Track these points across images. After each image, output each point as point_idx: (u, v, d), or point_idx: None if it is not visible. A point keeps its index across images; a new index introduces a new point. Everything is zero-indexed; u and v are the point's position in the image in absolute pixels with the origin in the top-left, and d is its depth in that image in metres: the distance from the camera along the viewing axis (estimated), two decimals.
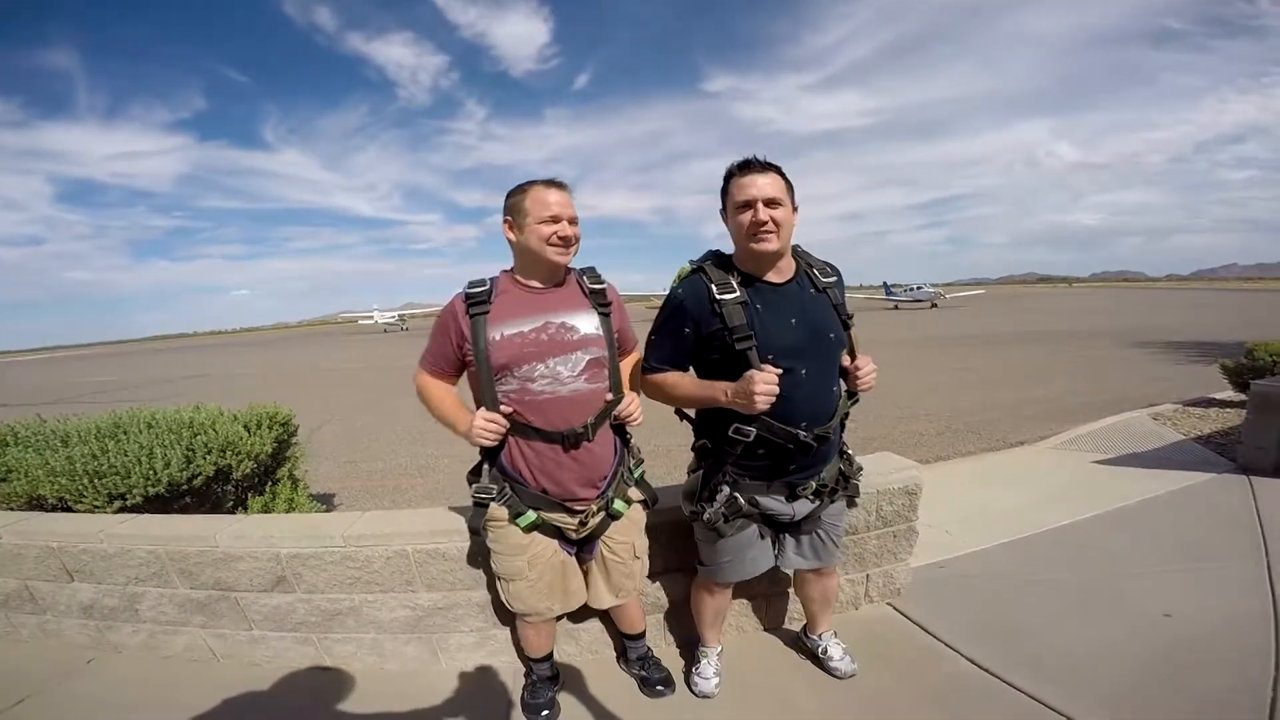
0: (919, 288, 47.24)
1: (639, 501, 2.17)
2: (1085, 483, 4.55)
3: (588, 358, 1.92)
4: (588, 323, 1.95)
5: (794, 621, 2.74)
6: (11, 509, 3.00)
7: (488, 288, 1.93)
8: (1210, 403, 6.79)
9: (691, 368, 2.02)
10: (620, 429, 2.08)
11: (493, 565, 2.10)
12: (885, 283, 51.98)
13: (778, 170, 1.82)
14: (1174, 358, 12.79)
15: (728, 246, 1.98)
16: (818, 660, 2.47)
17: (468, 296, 1.91)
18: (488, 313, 1.88)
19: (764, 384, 1.71)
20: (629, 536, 2.13)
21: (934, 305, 44.47)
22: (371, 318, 75.52)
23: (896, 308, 45.32)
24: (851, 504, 2.23)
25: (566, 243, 1.89)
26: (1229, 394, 6.92)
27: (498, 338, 1.86)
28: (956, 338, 20.95)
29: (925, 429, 7.59)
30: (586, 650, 2.59)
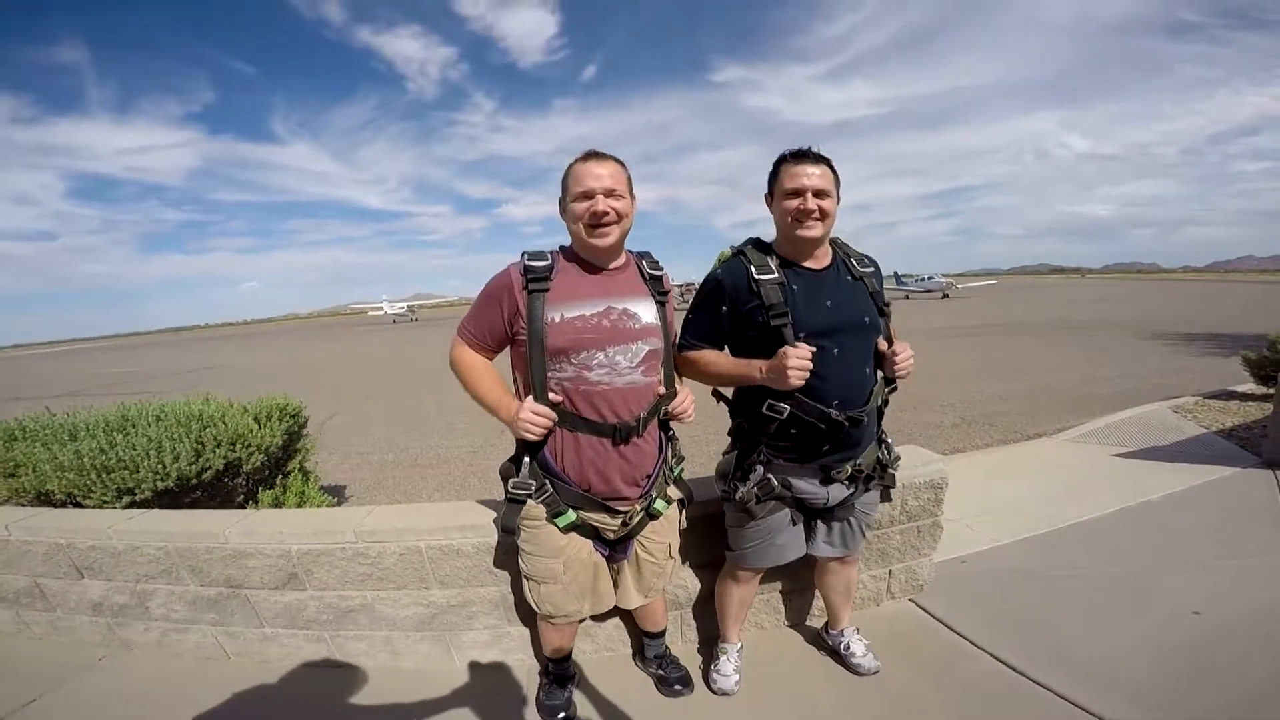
0: (930, 278, 46.86)
1: (676, 500, 2.10)
2: (1106, 476, 4.47)
3: (647, 349, 1.82)
4: (648, 311, 1.85)
5: (815, 618, 2.69)
6: (21, 505, 2.97)
7: (549, 263, 1.80)
8: (1231, 395, 6.65)
9: (727, 348, 2.04)
10: (665, 424, 2.00)
11: (522, 565, 2.00)
12: (896, 273, 51.57)
13: (828, 163, 1.88)
14: (1191, 349, 12.59)
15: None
16: (839, 657, 2.43)
17: (527, 269, 1.78)
18: (547, 289, 1.76)
19: (797, 359, 1.72)
20: (666, 536, 2.06)
21: (945, 295, 44.11)
22: (381, 308, 75.85)
23: (908, 297, 44.98)
24: (886, 496, 2.19)
25: (596, 219, 1.75)
26: (1250, 387, 6.77)
27: (557, 319, 1.74)
28: (969, 328, 20.75)
29: (940, 420, 7.50)
30: (603, 648, 2.54)
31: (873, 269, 2.03)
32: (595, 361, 1.76)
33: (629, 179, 1.85)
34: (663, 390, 1.88)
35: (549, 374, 1.77)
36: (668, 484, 2.02)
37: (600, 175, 1.77)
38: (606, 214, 1.76)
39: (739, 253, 1.96)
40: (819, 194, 1.83)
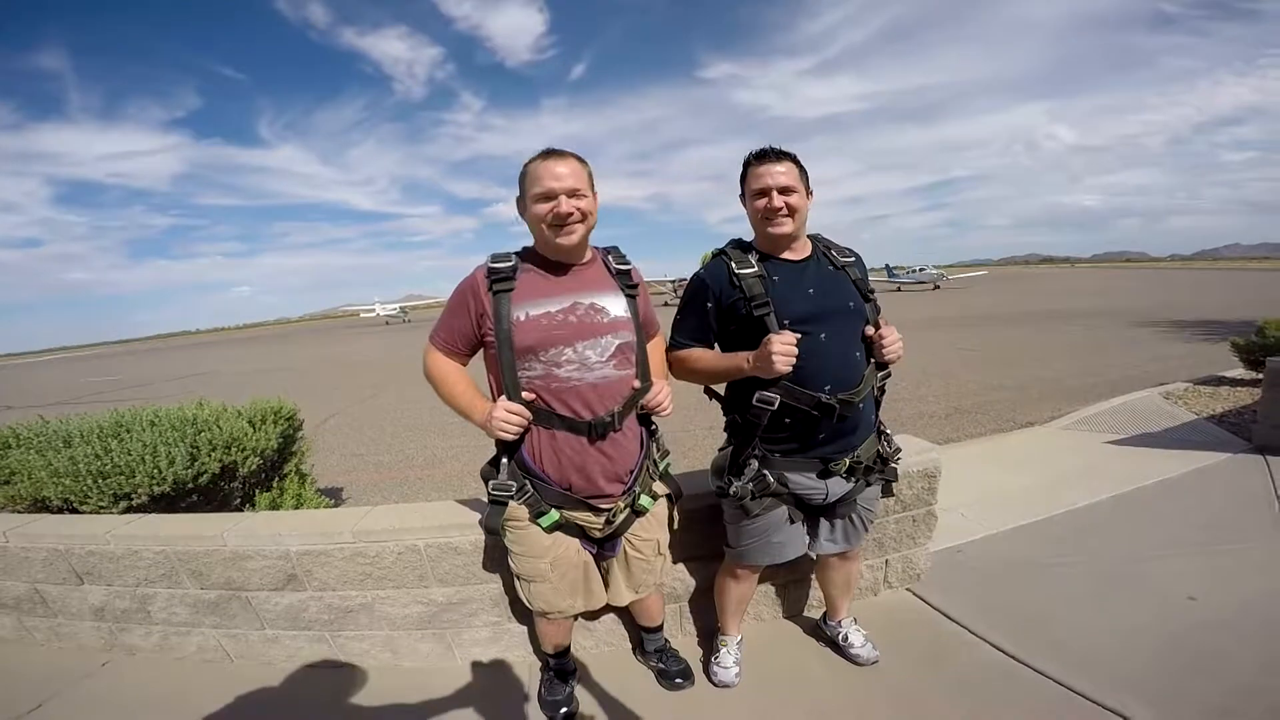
0: (921, 269, 46.96)
1: (664, 496, 2.08)
2: (1099, 464, 4.51)
3: (618, 342, 1.82)
4: (616, 305, 1.85)
5: (813, 609, 2.71)
6: (17, 512, 2.96)
7: (512, 263, 1.80)
8: (1221, 381, 6.71)
9: (717, 346, 2.06)
10: (646, 419, 1.99)
11: (511, 565, 2.01)
12: (888, 265, 51.65)
13: (792, 159, 1.91)
14: (1180, 336, 12.70)
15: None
16: (838, 648, 2.45)
17: (491, 271, 1.78)
18: (512, 289, 1.76)
19: (781, 344, 1.75)
20: (653, 533, 2.05)
21: (936, 287, 44.23)
22: (373, 310, 75.46)
23: (899, 289, 45.10)
24: (888, 491, 2.20)
25: (561, 220, 1.73)
26: (1240, 372, 6.84)
27: (522, 318, 1.74)
28: (960, 318, 20.85)
29: (933, 409, 7.54)
30: (603, 642, 2.56)
31: (854, 259, 2.05)
32: (564, 358, 1.76)
33: (590, 175, 1.82)
34: (638, 384, 1.88)
35: (520, 373, 1.77)
36: (652, 479, 2.01)
37: (561, 175, 1.73)
38: (571, 214, 1.73)
39: (720, 253, 2.01)
40: (784, 190, 1.86)
